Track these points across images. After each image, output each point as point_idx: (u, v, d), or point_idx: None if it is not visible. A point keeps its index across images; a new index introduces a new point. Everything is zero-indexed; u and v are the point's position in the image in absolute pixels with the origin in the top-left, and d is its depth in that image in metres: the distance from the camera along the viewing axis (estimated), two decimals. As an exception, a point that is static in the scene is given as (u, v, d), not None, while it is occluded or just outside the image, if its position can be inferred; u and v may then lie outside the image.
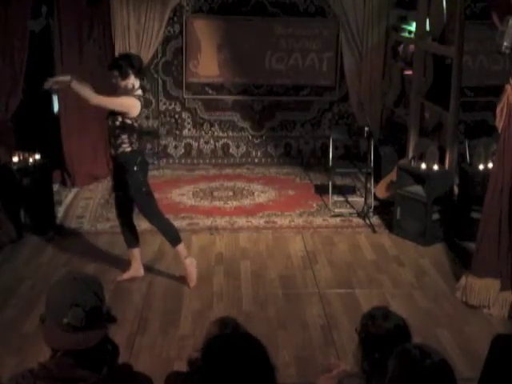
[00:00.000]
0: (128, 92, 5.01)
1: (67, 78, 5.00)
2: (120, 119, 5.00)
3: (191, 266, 5.38)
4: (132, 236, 5.49)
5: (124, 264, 5.70)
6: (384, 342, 2.55)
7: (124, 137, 5.05)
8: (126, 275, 5.48)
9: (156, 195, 7.33)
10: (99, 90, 7.87)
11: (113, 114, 5.03)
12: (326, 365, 3.37)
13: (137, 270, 5.51)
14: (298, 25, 8.44)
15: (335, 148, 7.95)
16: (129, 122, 5.02)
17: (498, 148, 4.93)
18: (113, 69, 4.98)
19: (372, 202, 7.02)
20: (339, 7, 8.18)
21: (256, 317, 4.87)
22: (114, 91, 5.13)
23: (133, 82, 5.00)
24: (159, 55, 8.44)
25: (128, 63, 4.97)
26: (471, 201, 6.09)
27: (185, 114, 8.69)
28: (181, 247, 5.39)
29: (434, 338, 4.44)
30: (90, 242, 6.25)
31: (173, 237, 5.37)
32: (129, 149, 5.08)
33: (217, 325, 2.75)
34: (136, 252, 5.50)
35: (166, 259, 5.83)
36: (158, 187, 7.67)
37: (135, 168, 5.10)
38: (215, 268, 5.75)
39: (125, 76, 4.95)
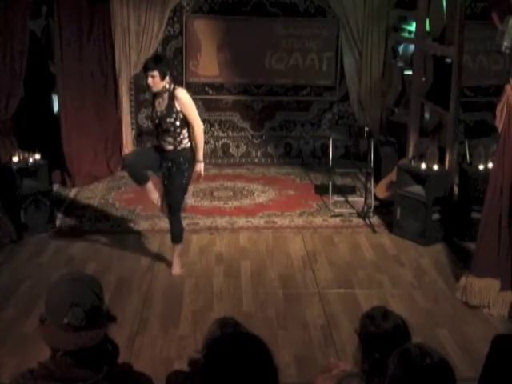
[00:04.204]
0: (164, 91, 5.18)
1: (199, 164, 5.33)
2: (180, 116, 5.19)
3: (177, 268, 5.64)
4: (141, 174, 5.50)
5: (124, 264, 5.74)
6: (383, 341, 2.55)
7: (184, 131, 5.25)
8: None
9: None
10: (98, 90, 7.97)
11: (170, 112, 5.17)
12: (326, 365, 3.37)
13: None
14: (297, 25, 8.44)
15: (335, 148, 7.95)
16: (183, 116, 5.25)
17: (498, 148, 4.93)
18: (153, 70, 5.09)
19: (372, 201, 7.02)
20: (339, 7, 8.19)
21: (256, 317, 4.88)
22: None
23: (167, 81, 5.17)
24: (159, 55, 8.44)
25: (166, 65, 5.23)
26: (471, 201, 6.09)
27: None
28: (180, 246, 5.64)
29: (434, 338, 4.44)
30: (90, 241, 6.25)
31: (178, 235, 5.60)
32: (189, 144, 5.30)
33: (217, 325, 2.75)
34: (149, 186, 5.56)
35: (166, 259, 5.83)
36: (158, 187, 7.68)
37: (189, 164, 5.30)
38: (215, 268, 5.76)
39: (164, 76, 5.13)
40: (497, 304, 4.95)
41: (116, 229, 6.57)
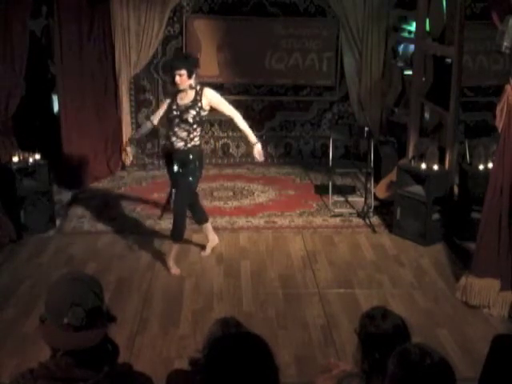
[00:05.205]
0: (190, 88, 5.35)
1: (257, 146, 5.67)
2: (202, 113, 5.38)
3: (175, 268, 5.63)
4: (202, 213, 5.89)
5: (124, 264, 5.74)
6: (383, 341, 2.55)
7: (198, 130, 5.43)
8: (208, 249, 5.95)
9: (156, 195, 7.39)
10: (98, 90, 7.97)
11: (195, 106, 5.34)
12: (325, 364, 3.37)
13: (214, 240, 5.98)
14: (298, 25, 8.44)
15: (335, 148, 7.95)
16: (205, 114, 5.43)
17: (498, 148, 4.93)
18: (181, 69, 5.27)
19: (372, 201, 7.02)
20: (339, 7, 8.19)
21: (256, 317, 4.87)
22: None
23: (193, 78, 5.37)
24: (159, 55, 8.45)
25: (193, 63, 5.41)
26: (471, 201, 6.09)
27: (185, 114, 8.68)
28: (176, 246, 5.64)
29: (434, 338, 4.43)
30: (90, 242, 6.25)
31: (179, 233, 5.58)
32: (198, 142, 5.47)
33: (218, 325, 2.75)
34: (208, 226, 5.97)
35: (166, 259, 5.83)
36: (158, 187, 7.69)
37: (197, 163, 5.45)
38: (215, 268, 5.76)
39: (191, 75, 5.33)
40: (497, 304, 4.95)
41: (116, 229, 6.57)
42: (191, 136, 5.37)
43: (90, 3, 7.67)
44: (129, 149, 5.73)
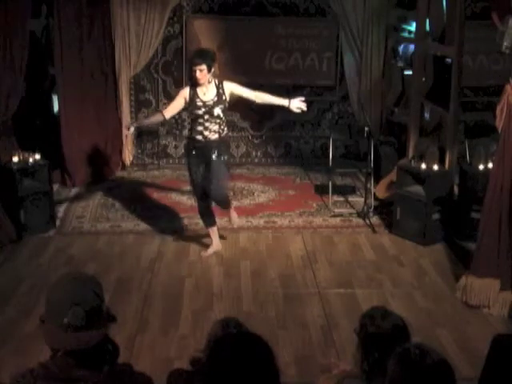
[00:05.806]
0: (209, 82, 5.52)
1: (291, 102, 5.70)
2: (226, 105, 5.62)
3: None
4: (211, 216, 5.95)
5: (124, 264, 5.75)
6: (383, 341, 2.55)
7: (225, 120, 5.71)
8: (210, 250, 5.98)
9: (156, 195, 7.38)
10: (98, 90, 7.97)
11: (220, 100, 5.53)
12: (326, 365, 3.37)
13: (218, 244, 6.01)
14: (298, 25, 8.44)
15: (335, 148, 7.94)
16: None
17: (498, 148, 4.93)
18: (201, 64, 5.43)
19: (372, 202, 7.02)
20: (339, 7, 8.19)
21: (256, 317, 4.87)
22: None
23: (212, 73, 5.55)
24: (159, 55, 8.45)
25: (212, 58, 5.55)
26: (471, 201, 6.09)
27: (185, 114, 8.66)
28: (232, 207, 6.09)
29: (434, 338, 4.43)
30: (90, 242, 6.25)
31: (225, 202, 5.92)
32: (227, 130, 5.79)
33: (219, 325, 2.75)
34: (215, 230, 6.03)
35: (166, 259, 5.84)
36: (158, 187, 7.69)
37: (227, 152, 5.77)
38: (215, 268, 5.76)
39: (210, 69, 5.50)
40: (497, 304, 4.95)
41: (116, 229, 6.58)
42: (222, 127, 5.62)
43: (90, 3, 7.67)
44: (132, 129, 6.01)
